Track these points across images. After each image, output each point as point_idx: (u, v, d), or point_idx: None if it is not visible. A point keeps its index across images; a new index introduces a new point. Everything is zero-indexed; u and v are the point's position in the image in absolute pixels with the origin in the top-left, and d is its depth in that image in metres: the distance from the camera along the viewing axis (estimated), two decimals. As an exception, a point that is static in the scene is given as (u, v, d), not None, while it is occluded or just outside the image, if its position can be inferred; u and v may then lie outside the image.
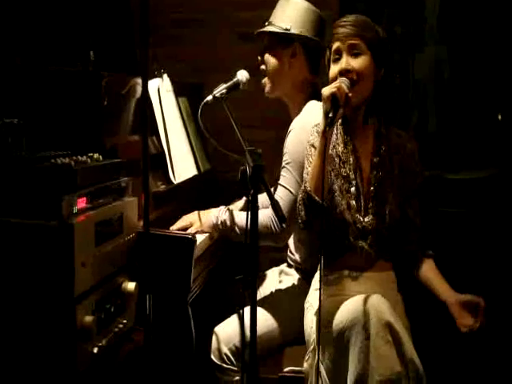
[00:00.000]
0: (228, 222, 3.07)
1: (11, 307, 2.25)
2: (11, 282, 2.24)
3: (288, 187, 3.02)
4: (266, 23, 3.28)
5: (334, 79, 2.76)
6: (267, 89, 3.30)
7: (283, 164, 3.09)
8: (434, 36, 4.44)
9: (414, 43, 4.45)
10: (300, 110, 3.20)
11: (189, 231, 3.08)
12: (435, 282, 2.86)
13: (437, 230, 3.03)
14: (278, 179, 3.11)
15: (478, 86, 4.32)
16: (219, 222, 3.10)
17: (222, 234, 3.14)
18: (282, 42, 3.22)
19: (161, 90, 3.42)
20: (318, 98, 3.10)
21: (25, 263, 2.22)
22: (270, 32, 3.23)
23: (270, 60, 3.26)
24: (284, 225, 2.91)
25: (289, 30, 3.18)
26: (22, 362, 2.26)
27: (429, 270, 2.91)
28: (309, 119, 3.07)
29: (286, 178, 3.05)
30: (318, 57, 3.25)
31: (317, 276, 2.97)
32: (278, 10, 3.28)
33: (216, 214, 3.13)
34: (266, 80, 3.29)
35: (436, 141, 4.40)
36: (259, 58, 3.29)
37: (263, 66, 3.28)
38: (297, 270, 3.32)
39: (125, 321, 2.61)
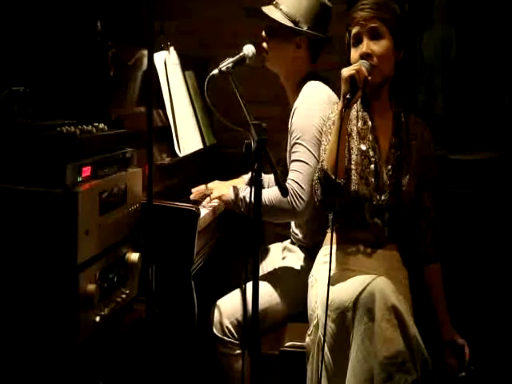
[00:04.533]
0: (248, 200, 3.05)
1: (13, 273, 2.26)
2: (15, 249, 2.25)
3: (304, 160, 3.00)
4: (274, 2, 3.24)
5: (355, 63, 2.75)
6: (266, 65, 3.30)
7: (294, 141, 3.07)
8: (441, 15, 4.41)
9: (422, 22, 4.43)
10: (297, 91, 3.19)
11: (207, 199, 3.17)
12: (438, 306, 2.95)
13: (441, 210, 3.02)
14: (287, 159, 3.12)
15: (486, 66, 4.30)
16: (239, 198, 3.10)
17: (237, 209, 3.14)
18: (289, 32, 3.19)
19: (167, 63, 3.41)
20: (315, 80, 3.12)
21: (28, 230, 2.23)
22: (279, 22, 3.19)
23: (274, 46, 3.24)
24: (304, 197, 2.93)
25: (297, 23, 3.15)
26: (24, 328, 2.27)
27: (434, 283, 2.98)
28: (313, 95, 3.09)
29: (300, 152, 3.03)
30: (320, 48, 3.25)
31: (324, 250, 2.97)
32: None
33: (237, 192, 3.12)
34: (266, 58, 3.28)
35: (442, 121, 4.39)
36: (264, 34, 3.27)
37: (265, 44, 3.26)
38: (300, 247, 3.33)
39: (127, 291, 2.62)
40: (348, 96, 2.59)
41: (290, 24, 3.16)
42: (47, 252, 2.22)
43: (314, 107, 3.00)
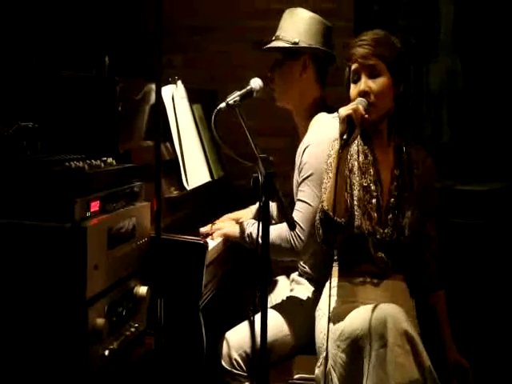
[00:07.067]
0: (254, 236, 3.09)
1: (24, 308, 2.26)
2: (24, 284, 2.25)
3: (306, 200, 3.03)
4: (273, 38, 3.30)
5: (354, 100, 2.77)
6: (277, 102, 3.34)
7: (301, 179, 3.09)
8: (447, 46, 4.44)
9: (428, 54, 4.45)
10: (307, 122, 3.21)
11: (214, 235, 3.18)
12: (443, 330, 2.96)
13: (448, 241, 3.03)
14: (294, 194, 3.13)
15: (492, 96, 4.32)
16: (246, 234, 3.12)
17: (244, 245, 3.17)
18: (292, 55, 3.24)
19: (175, 97, 3.43)
20: (325, 110, 3.13)
21: (38, 265, 2.23)
22: (279, 47, 3.25)
23: (281, 74, 3.28)
24: (303, 237, 2.96)
25: (297, 43, 3.19)
26: (34, 363, 2.27)
27: (438, 309, 2.99)
28: (325, 131, 3.08)
29: (305, 192, 3.06)
30: (326, 68, 3.27)
31: (329, 283, 2.97)
32: (283, 23, 3.30)
33: (243, 228, 3.15)
34: (275, 94, 3.32)
35: (449, 152, 4.40)
36: (269, 74, 3.30)
37: (272, 81, 3.30)
38: (308, 279, 3.32)
39: (136, 325, 2.61)
40: (345, 137, 2.61)
41: (288, 45, 3.21)
42: (56, 287, 2.22)
43: (324, 147, 2.99)
